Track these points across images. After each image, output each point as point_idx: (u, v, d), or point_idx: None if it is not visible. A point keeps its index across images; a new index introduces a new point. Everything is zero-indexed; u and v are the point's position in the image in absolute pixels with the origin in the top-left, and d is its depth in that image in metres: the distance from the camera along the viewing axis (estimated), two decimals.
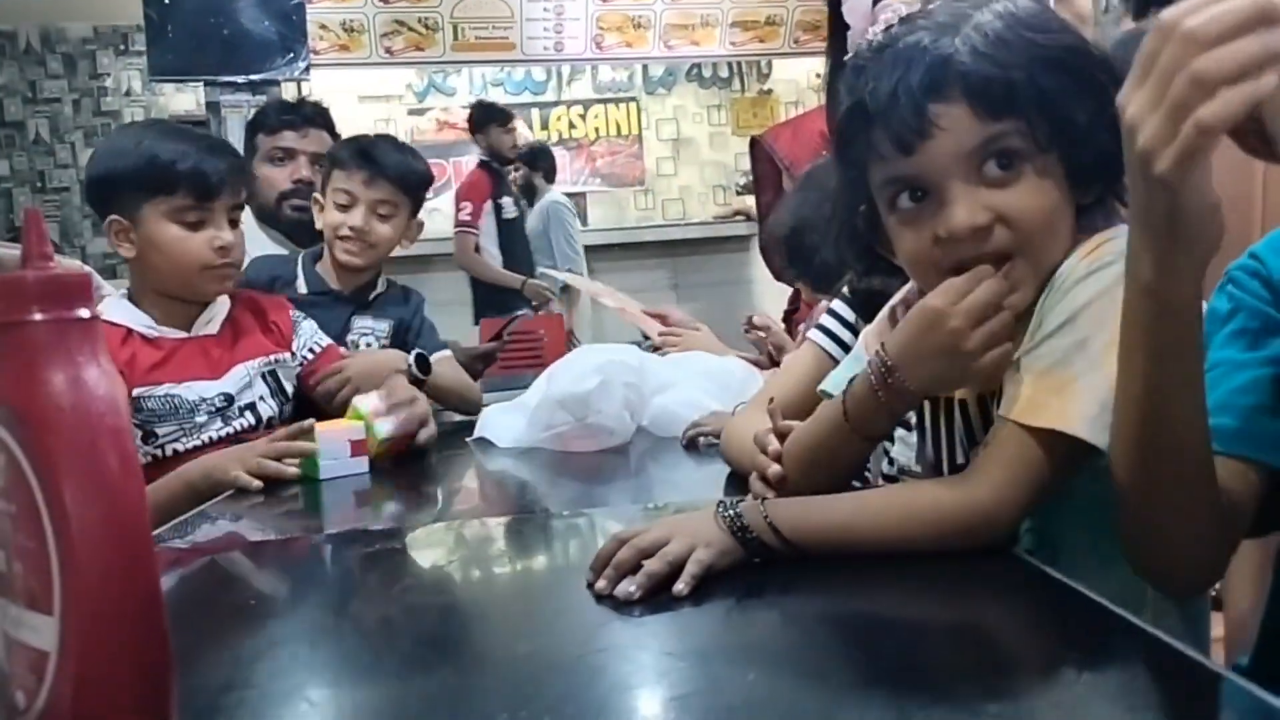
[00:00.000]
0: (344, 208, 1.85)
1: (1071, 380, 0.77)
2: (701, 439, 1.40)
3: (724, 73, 6.99)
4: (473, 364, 2.18)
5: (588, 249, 5.03)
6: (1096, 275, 0.78)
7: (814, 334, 1.27)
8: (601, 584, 0.76)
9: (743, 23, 5.54)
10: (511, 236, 4.65)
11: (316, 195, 1.91)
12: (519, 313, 2.39)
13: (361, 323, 1.92)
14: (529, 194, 4.93)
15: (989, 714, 0.54)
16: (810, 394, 1.06)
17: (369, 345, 1.90)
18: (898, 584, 0.78)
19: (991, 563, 0.78)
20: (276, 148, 2.22)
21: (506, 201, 4.68)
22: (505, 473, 1.45)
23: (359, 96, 6.10)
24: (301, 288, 1.89)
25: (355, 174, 1.85)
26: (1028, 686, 0.58)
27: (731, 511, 0.80)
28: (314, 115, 2.28)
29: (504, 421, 1.54)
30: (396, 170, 1.88)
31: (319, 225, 1.89)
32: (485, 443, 1.55)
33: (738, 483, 1.14)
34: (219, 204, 1.52)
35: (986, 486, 0.78)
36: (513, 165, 4.88)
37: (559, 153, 6.53)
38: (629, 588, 0.75)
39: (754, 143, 2.55)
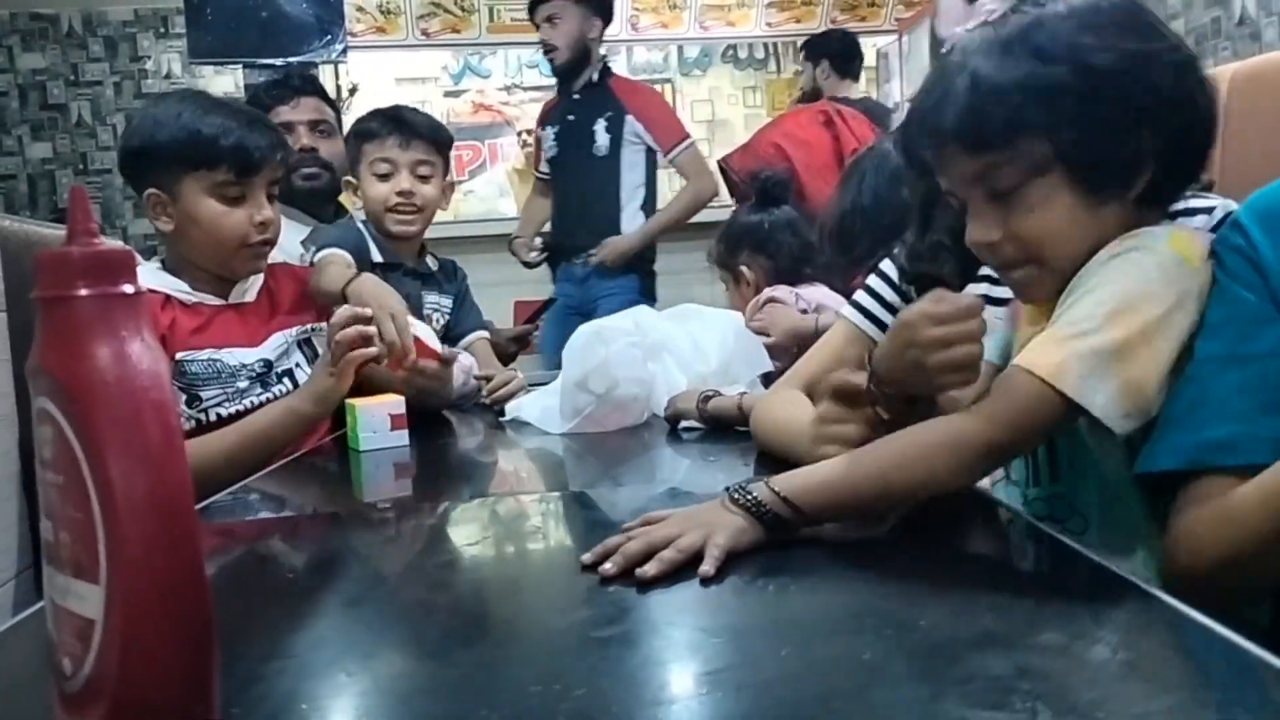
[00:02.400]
0: (385, 177, 1.87)
1: (1075, 339, 0.78)
2: (683, 430, 1.41)
3: (760, 54, 6.93)
4: (507, 345, 2.19)
5: None
6: (1118, 256, 0.81)
7: (848, 311, 1.26)
8: (607, 566, 0.77)
9: (779, 3, 5.50)
10: None
11: (349, 179, 1.93)
12: (552, 298, 2.39)
13: (430, 298, 1.95)
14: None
15: (1021, 691, 0.54)
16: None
17: (438, 321, 1.92)
18: (923, 562, 0.79)
19: (1018, 536, 0.78)
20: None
21: None
22: (540, 452, 1.46)
23: (395, 79, 6.11)
24: (377, 256, 1.89)
25: (389, 140, 1.87)
26: (1059, 662, 0.58)
27: (741, 492, 0.82)
28: (301, 84, 2.31)
29: (537, 405, 1.55)
30: (427, 129, 1.91)
31: (357, 205, 1.91)
32: (520, 423, 1.56)
33: (770, 462, 1.14)
34: (259, 179, 1.53)
35: (978, 422, 0.79)
36: None
37: None
38: (647, 569, 0.75)
39: (722, 168, 2.72)
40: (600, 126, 3.14)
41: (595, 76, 3.20)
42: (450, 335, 1.96)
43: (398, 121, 1.88)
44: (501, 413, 1.63)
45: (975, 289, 1.09)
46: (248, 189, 1.53)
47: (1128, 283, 0.78)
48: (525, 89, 6.40)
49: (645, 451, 1.39)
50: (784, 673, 0.59)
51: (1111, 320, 0.77)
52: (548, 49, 3.16)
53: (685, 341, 1.53)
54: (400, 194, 1.86)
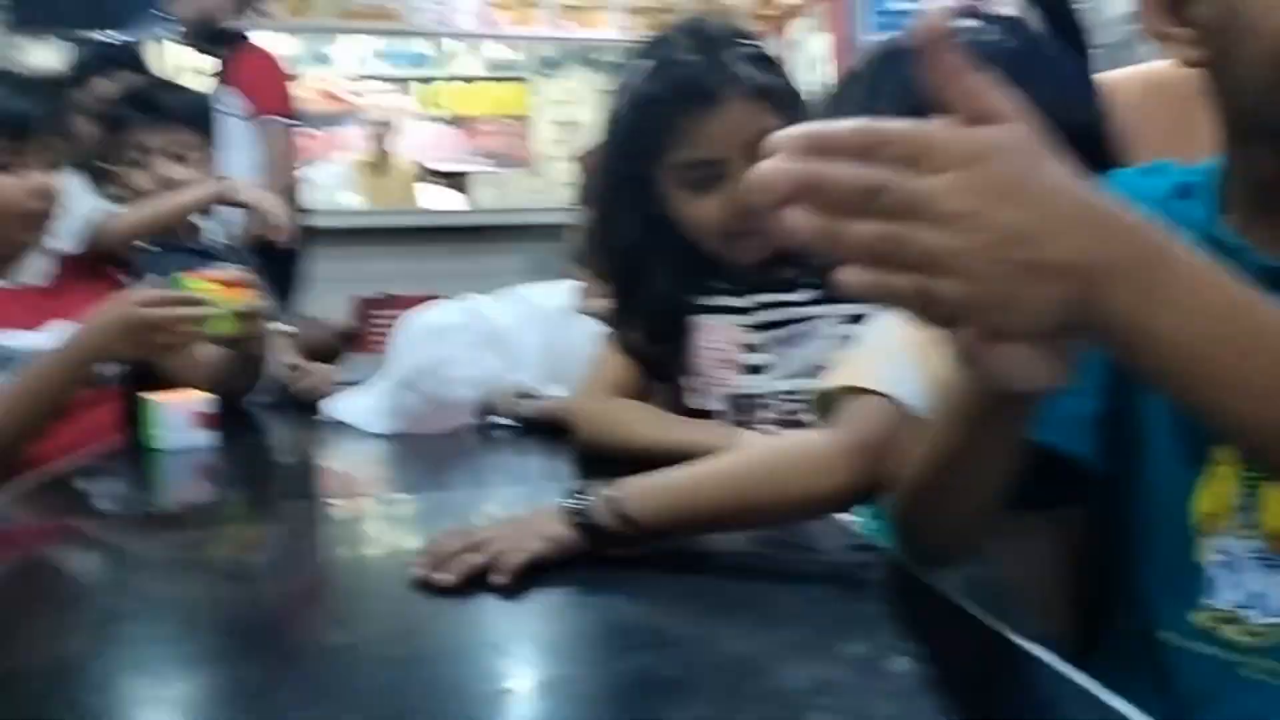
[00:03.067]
0: (136, 164, 1.76)
1: (876, 349, 0.80)
2: (494, 430, 1.37)
3: (617, 57, 6.95)
4: (333, 341, 2.10)
5: (472, 230, 4.92)
6: None
7: None
8: (418, 571, 0.73)
9: (637, 8, 5.51)
10: None
11: (105, 167, 1.80)
12: (389, 291, 2.30)
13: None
14: None
15: (820, 705, 0.52)
16: None
17: None
18: (727, 573, 0.77)
19: (823, 545, 0.77)
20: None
21: None
22: (357, 453, 1.38)
23: None
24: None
25: (140, 125, 1.76)
26: (860, 675, 0.56)
27: (573, 503, 0.76)
28: (127, 60, 2.24)
29: (359, 403, 1.47)
30: (183, 109, 1.81)
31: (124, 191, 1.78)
32: (336, 424, 1.48)
33: (595, 466, 1.11)
34: (31, 146, 1.41)
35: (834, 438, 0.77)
36: None
37: (444, 130, 6.41)
38: (445, 575, 0.71)
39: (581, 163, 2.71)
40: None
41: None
42: None
43: (148, 103, 1.76)
44: (313, 411, 1.54)
45: None
46: (17, 156, 1.40)
47: None
48: (373, 78, 6.23)
49: (473, 453, 1.34)
50: (577, 692, 0.55)
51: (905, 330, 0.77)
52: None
53: (517, 333, 1.47)
54: (156, 182, 1.75)
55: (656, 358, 1.19)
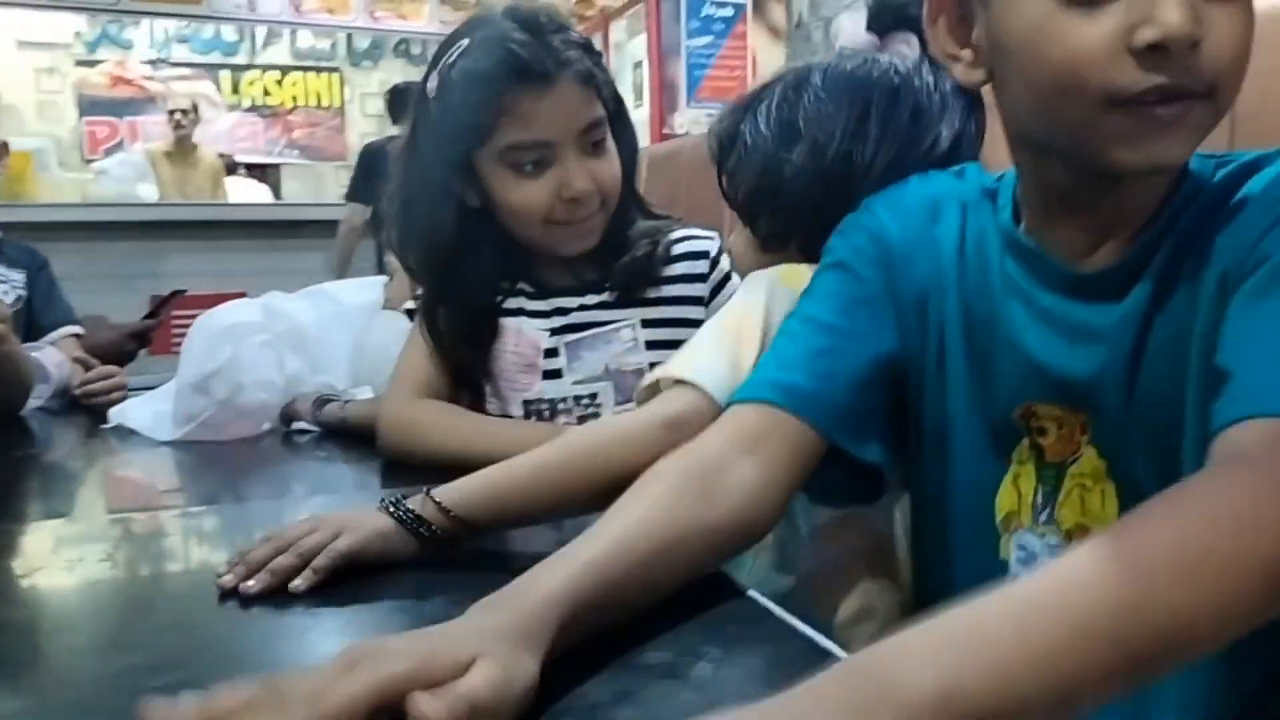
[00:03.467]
0: None
1: (691, 343, 0.84)
2: (296, 434, 1.33)
3: (433, 50, 6.82)
4: (124, 342, 1.97)
5: (280, 225, 4.71)
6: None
7: None
8: (226, 578, 0.70)
9: (453, 1, 5.41)
10: None
11: None
12: (183, 290, 2.15)
13: None
14: None
15: (620, 718, 0.51)
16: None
17: (5, 295, 1.69)
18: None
19: None
20: None
21: None
22: (144, 463, 1.30)
23: (17, 41, 5.44)
24: None
25: None
26: (662, 683, 0.55)
27: (395, 504, 0.75)
28: None
29: (146, 410, 1.38)
30: None
31: None
32: (126, 432, 1.38)
33: (402, 471, 1.07)
34: None
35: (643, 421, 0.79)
36: None
37: (252, 119, 6.14)
38: (248, 584, 0.68)
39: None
40: None
41: None
42: (35, 332, 1.77)
43: None
44: (104, 419, 1.44)
45: None
46: None
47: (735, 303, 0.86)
48: (174, 64, 5.90)
49: (269, 461, 1.27)
50: None
51: (716, 328, 0.83)
52: None
53: (321, 333, 1.41)
54: None
55: (464, 359, 1.16)
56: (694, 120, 4.07)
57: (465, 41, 1.10)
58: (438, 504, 0.74)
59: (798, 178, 0.86)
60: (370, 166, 4.10)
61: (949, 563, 0.76)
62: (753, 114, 0.90)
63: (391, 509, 0.74)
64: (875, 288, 0.74)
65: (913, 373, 0.75)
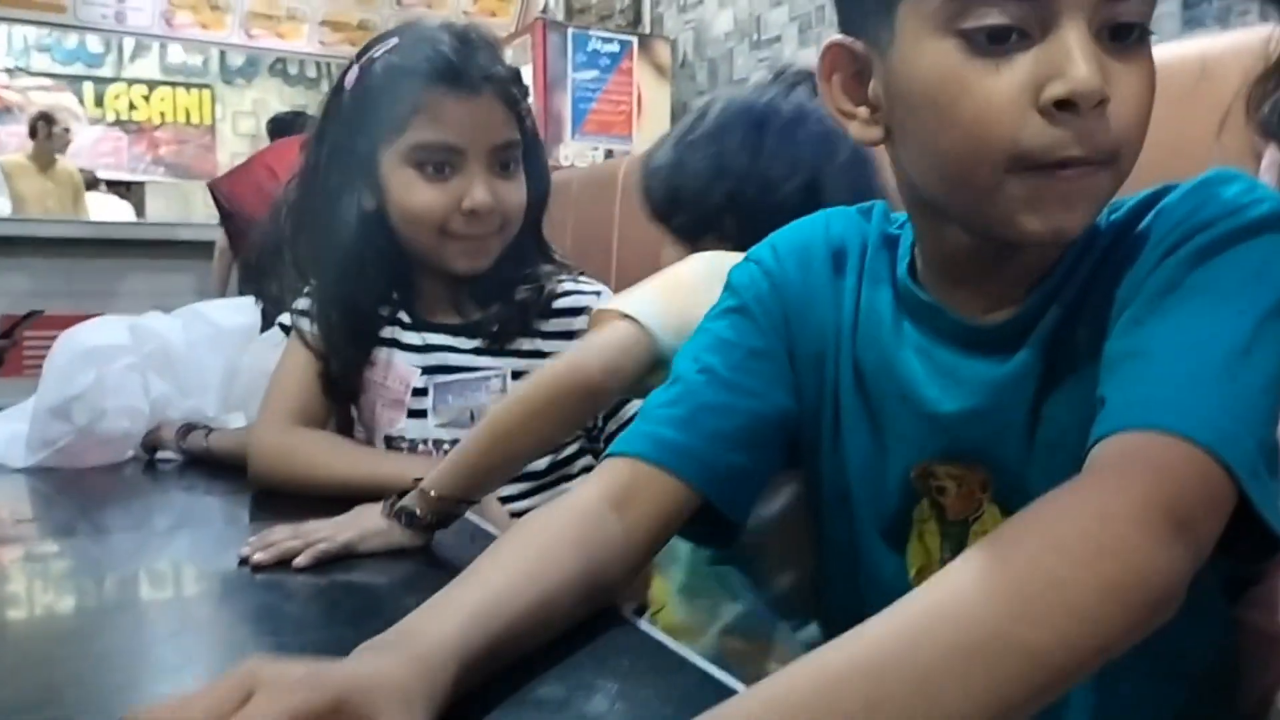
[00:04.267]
0: None
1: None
2: (159, 461, 1.28)
3: (311, 72, 6.69)
4: None
5: (143, 244, 4.52)
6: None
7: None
8: (244, 550, 0.81)
9: (334, 23, 5.32)
10: None
11: None
12: (38, 310, 2.04)
13: None
14: None
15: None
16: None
17: None
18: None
19: None
20: None
21: None
22: None
23: None
24: None
25: None
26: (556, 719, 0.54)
27: (391, 503, 0.85)
28: None
29: (5, 433, 1.29)
30: None
31: None
32: None
33: (272, 503, 1.04)
34: None
35: (577, 361, 0.84)
36: None
37: (116, 134, 5.91)
38: (259, 556, 0.80)
39: (211, 190, 2.62)
40: None
41: None
42: None
43: None
44: None
45: None
46: None
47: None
48: (33, 73, 5.64)
49: (130, 491, 1.21)
50: None
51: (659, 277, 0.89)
52: None
53: (192, 355, 1.35)
54: None
55: (338, 382, 1.13)
56: (579, 153, 4.09)
57: (394, 40, 1.09)
58: (425, 492, 0.84)
59: (699, 175, 0.95)
60: None
61: (860, 611, 0.75)
62: (670, 137, 1.00)
63: (389, 509, 0.85)
64: (773, 342, 0.72)
65: (807, 431, 0.73)
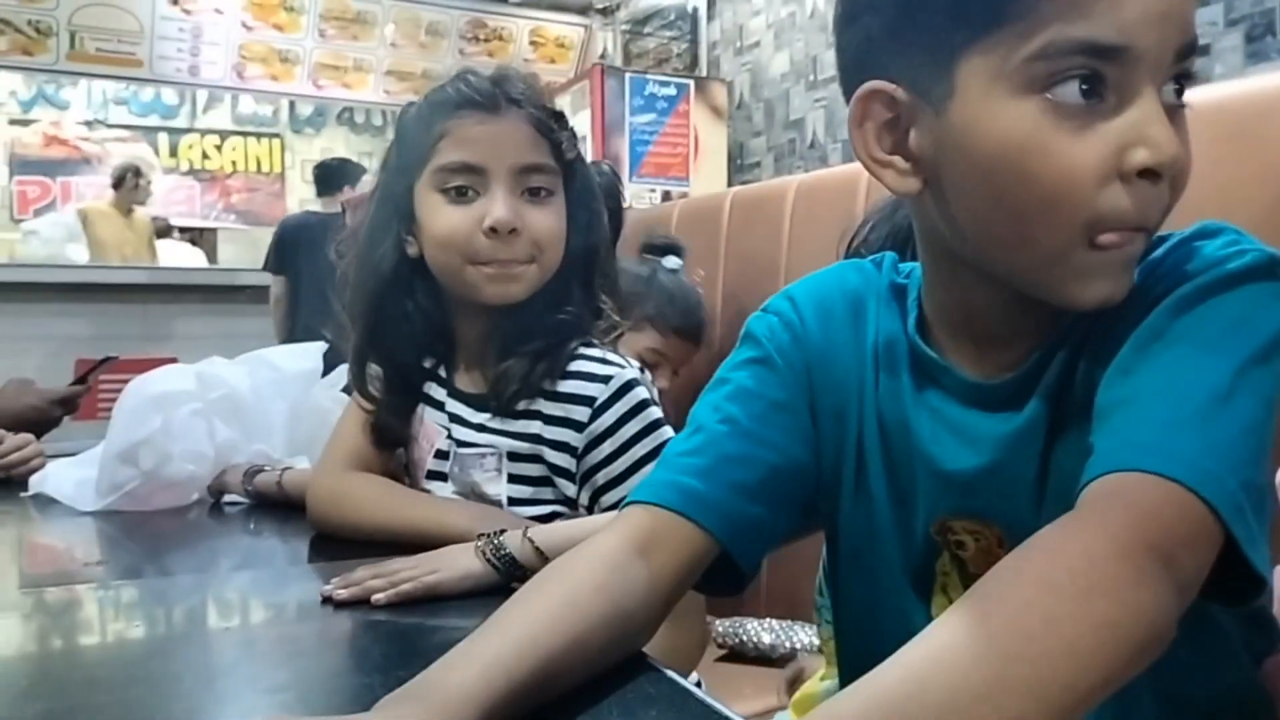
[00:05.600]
0: None
1: None
2: (226, 504, 1.30)
3: (377, 120, 6.85)
4: (50, 408, 1.90)
5: (216, 289, 4.65)
6: None
7: None
8: (326, 588, 0.83)
9: (398, 72, 5.46)
10: None
11: None
12: (113, 355, 2.10)
13: None
14: None
15: None
16: None
17: None
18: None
19: None
20: None
21: None
22: (63, 534, 1.25)
23: None
24: None
25: None
26: None
27: (490, 541, 0.86)
28: None
29: (68, 478, 1.33)
30: None
31: None
32: (47, 500, 1.33)
33: (331, 545, 1.05)
34: None
35: None
36: None
37: (189, 183, 6.10)
38: (340, 593, 0.82)
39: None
40: None
41: None
42: None
43: None
44: (23, 487, 1.38)
45: None
46: None
47: None
48: (110, 125, 5.85)
49: (195, 533, 1.23)
50: None
51: None
52: None
53: (257, 400, 1.38)
54: None
55: (384, 430, 1.14)
56: (636, 195, 4.13)
57: (436, 85, 1.10)
58: (535, 546, 0.85)
59: None
60: (285, 238, 4.08)
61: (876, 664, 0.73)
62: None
63: (488, 554, 0.85)
64: (795, 394, 0.72)
65: (826, 485, 0.73)
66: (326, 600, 0.82)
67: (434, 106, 1.07)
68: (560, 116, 1.11)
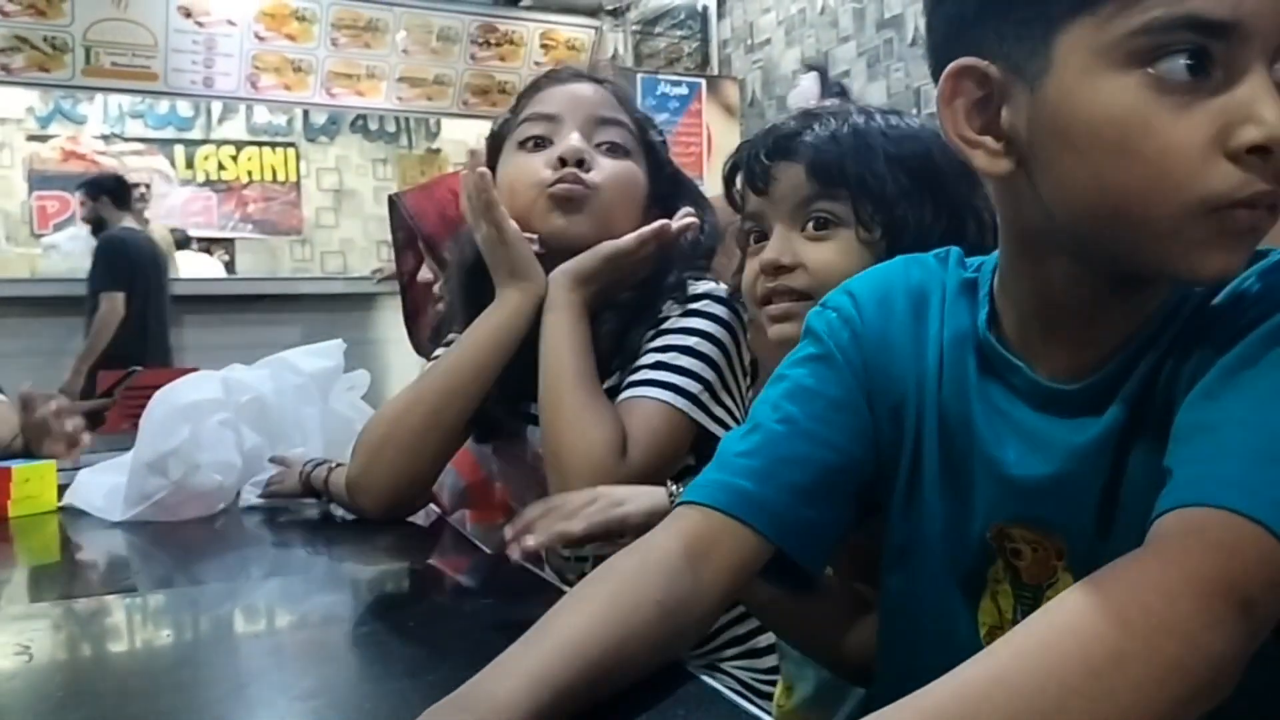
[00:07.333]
0: None
1: None
2: (244, 509, 1.30)
3: (390, 127, 6.87)
4: (79, 419, 1.92)
5: (235, 299, 4.68)
6: None
7: None
8: (529, 542, 0.78)
9: (410, 79, 5.48)
10: None
11: None
12: (136, 368, 2.12)
13: None
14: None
15: None
16: None
17: None
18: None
19: None
20: None
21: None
22: (92, 544, 1.26)
23: None
24: None
25: None
26: None
27: (683, 485, 0.80)
28: None
29: (97, 489, 1.34)
30: None
31: None
32: (77, 511, 1.34)
33: (364, 548, 1.06)
34: None
35: None
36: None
37: (206, 194, 6.14)
38: (526, 542, 0.78)
39: (392, 204, 2.51)
40: None
41: None
42: None
43: None
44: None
45: None
46: None
47: None
48: (127, 139, 5.89)
49: (222, 542, 1.24)
50: None
51: None
52: None
53: (278, 401, 1.38)
54: None
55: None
56: None
57: None
58: None
59: None
60: (117, 254, 4.05)
61: (917, 669, 0.72)
62: None
63: (673, 493, 0.83)
64: (854, 392, 0.71)
65: (882, 484, 0.72)
66: (503, 558, 0.77)
67: (529, 88, 1.15)
68: (635, 104, 1.18)
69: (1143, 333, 0.60)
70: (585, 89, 1.12)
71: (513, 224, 1.07)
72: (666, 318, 1.07)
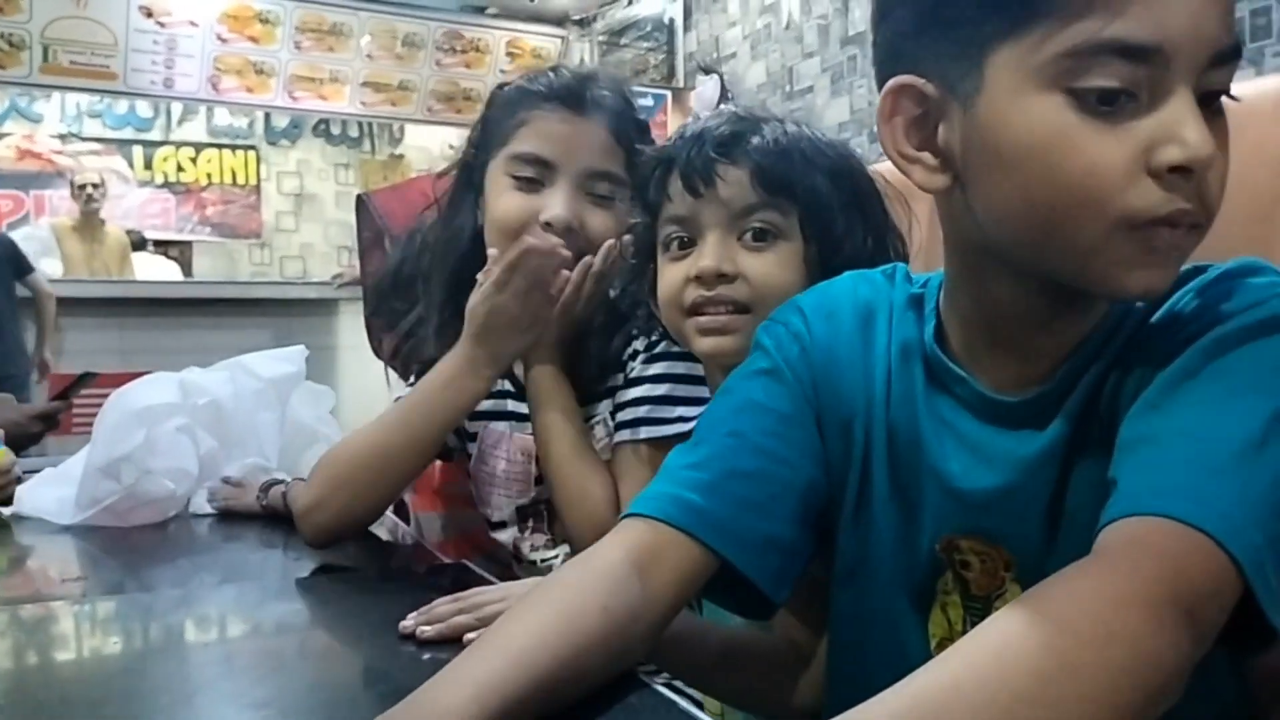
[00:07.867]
0: None
1: None
2: (194, 515, 1.28)
3: (354, 132, 6.83)
4: (30, 424, 1.88)
5: (191, 302, 4.61)
6: None
7: None
8: (407, 623, 0.76)
9: (374, 84, 5.45)
10: None
11: None
12: (93, 372, 2.08)
13: None
14: None
15: None
16: None
17: None
18: None
19: None
20: None
21: None
22: (40, 550, 1.23)
23: None
24: None
25: None
26: None
27: None
28: None
29: (48, 493, 1.31)
30: None
31: None
32: (24, 518, 1.32)
33: (308, 560, 1.05)
34: None
35: None
36: None
37: (164, 196, 6.07)
38: (425, 629, 0.75)
39: (360, 203, 2.46)
40: None
41: None
42: None
43: None
44: (8, 502, 1.36)
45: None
46: None
47: None
48: (84, 138, 5.81)
49: (174, 547, 1.22)
50: None
51: None
52: None
53: (235, 405, 1.36)
54: None
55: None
56: None
57: (532, 73, 1.13)
58: None
59: None
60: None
61: (869, 682, 0.72)
62: None
63: None
64: (803, 407, 0.71)
65: (832, 503, 0.72)
66: (407, 637, 0.75)
67: (522, 93, 1.09)
68: (644, 129, 1.11)
69: (1086, 345, 0.62)
70: (586, 132, 1.06)
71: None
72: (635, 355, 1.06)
